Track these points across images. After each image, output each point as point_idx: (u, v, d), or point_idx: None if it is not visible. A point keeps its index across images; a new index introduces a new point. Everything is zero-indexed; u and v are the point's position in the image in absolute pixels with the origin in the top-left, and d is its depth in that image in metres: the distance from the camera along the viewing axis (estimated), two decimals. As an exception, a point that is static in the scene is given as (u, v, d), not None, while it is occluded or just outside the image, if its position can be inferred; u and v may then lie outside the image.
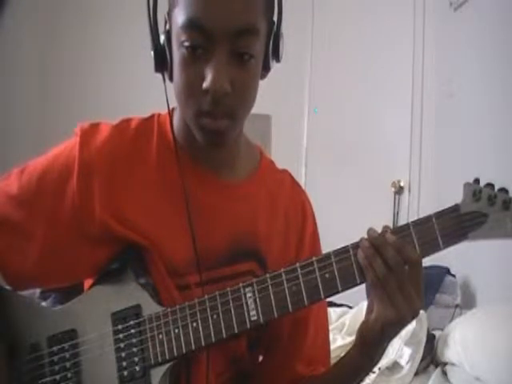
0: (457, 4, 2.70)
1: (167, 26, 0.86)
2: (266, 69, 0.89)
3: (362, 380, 0.92)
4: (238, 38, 0.80)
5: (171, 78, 0.87)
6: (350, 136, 3.16)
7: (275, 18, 0.87)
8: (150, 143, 0.93)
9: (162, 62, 0.86)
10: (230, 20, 0.79)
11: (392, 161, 3.14)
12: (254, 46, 0.82)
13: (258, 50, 0.83)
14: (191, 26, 0.80)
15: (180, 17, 0.81)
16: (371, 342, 0.84)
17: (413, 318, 0.81)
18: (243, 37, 0.81)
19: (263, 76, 0.90)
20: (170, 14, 0.85)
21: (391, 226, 0.82)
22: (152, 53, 0.87)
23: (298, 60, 3.19)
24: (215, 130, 0.84)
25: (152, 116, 0.97)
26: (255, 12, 0.82)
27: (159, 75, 0.89)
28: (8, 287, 0.91)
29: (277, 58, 0.89)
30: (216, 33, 0.79)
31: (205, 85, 0.80)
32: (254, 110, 0.89)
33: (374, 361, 0.88)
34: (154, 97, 1.01)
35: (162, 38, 0.86)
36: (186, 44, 0.81)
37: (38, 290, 1.02)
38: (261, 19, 0.83)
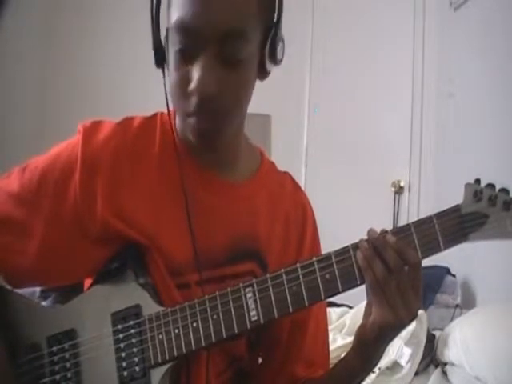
0: (457, 4, 2.70)
1: (167, 24, 0.86)
2: (264, 72, 0.88)
3: (361, 382, 0.92)
4: (225, 42, 0.80)
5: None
6: (350, 136, 3.16)
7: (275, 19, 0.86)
8: (153, 142, 0.93)
9: (161, 60, 0.87)
10: (216, 23, 0.79)
11: (392, 161, 3.14)
12: (242, 51, 0.81)
13: (247, 54, 0.82)
14: (179, 27, 0.80)
15: (172, 17, 0.82)
16: (369, 344, 0.84)
17: (411, 321, 0.80)
18: (230, 41, 0.80)
19: (262, 78, 0.89)
20: (168, 12, 0.85)
21: (391, 226, 0.82)
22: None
23: (297, 60, 3.19)
24: (200, 131, 0.84)
25: (155, 114, 0.97)
26: (245, 15, 0.81)
27: (160, 74, 0.88)
28: (8, 286, 0.91)
29: (274, 61, 0.87)
30: (202, 35, 0.79)
31: (190, 86, 0.81)
32: (254, 110, 0.88)
33: (373, 363, 0.88)
34: (154, 96, 1.00)
35: (164, 35, 0.86)
36: (176, 45, 0.81)
37: (37, 290, 1.02)
38: (252, 23, 0.82)
